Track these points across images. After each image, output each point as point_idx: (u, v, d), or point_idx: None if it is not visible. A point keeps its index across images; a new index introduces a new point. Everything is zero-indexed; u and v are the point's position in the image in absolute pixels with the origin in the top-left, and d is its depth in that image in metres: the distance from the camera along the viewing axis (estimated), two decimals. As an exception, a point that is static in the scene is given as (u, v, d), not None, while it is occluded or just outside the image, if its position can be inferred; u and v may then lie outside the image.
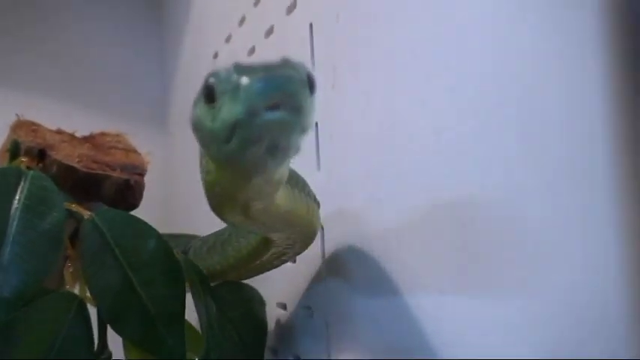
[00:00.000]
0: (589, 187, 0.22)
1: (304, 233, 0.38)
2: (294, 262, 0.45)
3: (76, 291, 0.41)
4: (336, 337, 0.41)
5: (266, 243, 0.39)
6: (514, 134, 0.25)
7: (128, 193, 0.48)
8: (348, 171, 0.40)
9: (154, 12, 1.08)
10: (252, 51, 0.58)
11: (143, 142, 0.53)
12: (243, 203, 0.31)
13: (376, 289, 0.36)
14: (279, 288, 0.50)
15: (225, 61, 0.64)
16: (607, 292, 0.21)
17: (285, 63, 0.25)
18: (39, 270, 0.36)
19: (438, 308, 0.30)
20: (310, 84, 0.25)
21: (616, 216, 0.21)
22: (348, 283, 0.40)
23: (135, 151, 0.51)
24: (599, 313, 0.21)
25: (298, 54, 0.45)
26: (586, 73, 0.22)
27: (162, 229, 0.40)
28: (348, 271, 0.40)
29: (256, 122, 0.24)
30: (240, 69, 0.24)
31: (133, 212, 0.43)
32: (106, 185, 0.47)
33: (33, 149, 0.46)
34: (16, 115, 0.49)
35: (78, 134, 0.51)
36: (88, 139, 0.51)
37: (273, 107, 0.23)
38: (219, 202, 0.32)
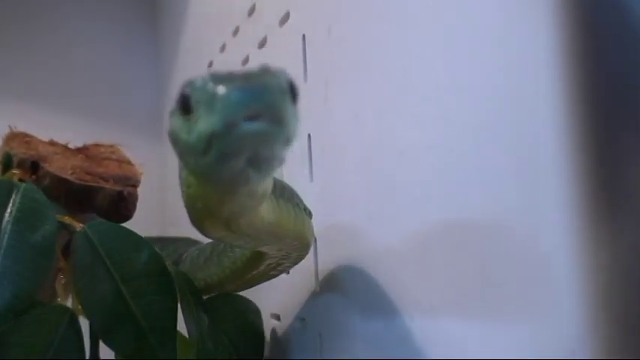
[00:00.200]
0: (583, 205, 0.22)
1: (295, 244, 0.37)
2: (288, 273, 0.45)
3: (69, 304, 0.41)
4: (329, 349, 0.41)
5: (259, 254, 0.38)
6: (506, 150, 0.25)
7: (121, 204, 0.48)
8: (342, 182, 0.40)
9: (148, 22, 1.08)
10: (246, 60, 0.59)
11: (138, 153, 0.53)
12: (226, 217, 0.29)
13: (369, 302, 0.36)
14: (272, 299, 0.50)
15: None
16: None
17: (265, 71, 0.23)
18: (30, 282, 0.36)
19: (430, 322, 0.30)
20: (292, 92, 0.24)
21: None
22: (341, 295, 0.40)
23: (128, 163, 0.51)
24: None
25: (291, 65, 0.46)
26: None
27: (156, 240, 0.40)
28: (342, 282, 0.40)
29: (234, 134, 0.22)
30: (217, 77, 0.23)
31: (127, 223, 0.43)
32: (99, 197, 0.47)
33: (26, 161, 0.46)
34: (9, 126, 0.49)
35: (71, 145, 0.51)
36: (82, 151, 0.51)
37: (253, 118, 0.22)
38: (200, 216, 0.30)
